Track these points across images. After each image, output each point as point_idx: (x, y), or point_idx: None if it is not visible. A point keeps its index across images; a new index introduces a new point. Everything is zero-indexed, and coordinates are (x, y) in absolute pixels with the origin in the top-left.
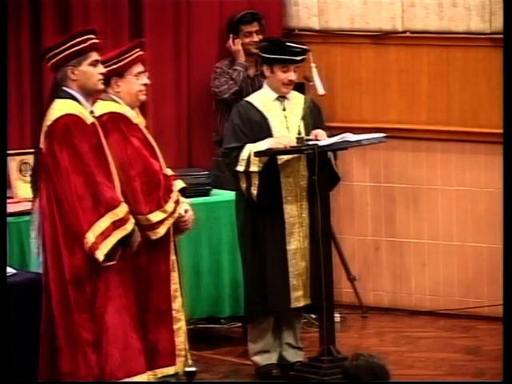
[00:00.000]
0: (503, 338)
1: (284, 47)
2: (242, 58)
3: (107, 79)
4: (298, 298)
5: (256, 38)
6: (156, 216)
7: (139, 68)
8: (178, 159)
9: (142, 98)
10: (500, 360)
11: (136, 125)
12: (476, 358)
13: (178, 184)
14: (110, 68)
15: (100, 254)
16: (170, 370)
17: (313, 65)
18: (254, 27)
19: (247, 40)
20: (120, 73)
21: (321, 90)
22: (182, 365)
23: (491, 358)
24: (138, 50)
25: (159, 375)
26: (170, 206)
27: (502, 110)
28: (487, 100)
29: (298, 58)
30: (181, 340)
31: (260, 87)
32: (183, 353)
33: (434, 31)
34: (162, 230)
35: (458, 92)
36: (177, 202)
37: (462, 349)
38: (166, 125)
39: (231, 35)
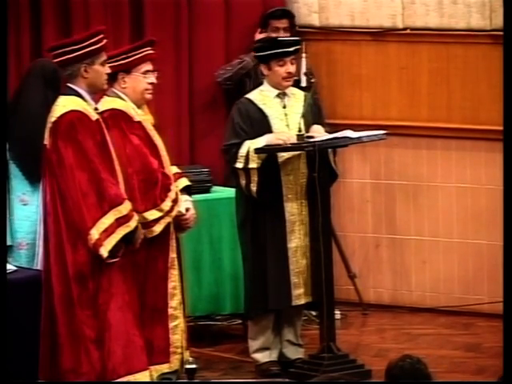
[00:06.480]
0: (503, 335)
1: (276, 41)
2: None
3: (114, 74)
4: (299, 295)
5: (283, 34)
6: (151, 214)
7: (148, 66)
8: (178, 156)
9: (148, 96)
10: (500, 357)
11: (137, 122)
12: (476, 355)
13: (183, 182)
14: (117, 63)
15: (104, 251)
16: (164, 368)
17: (303, 55)
18: (283, 24)
19: (274, 35)
20: (127, 69)
21: (303, 82)
22: (178, 362)
23: (491, 355)
24: (148, 48)
25: (153, 372)
26: (166, 205)
27: (503, 107)
28: (487, 97)
29: (292, 49)
30: (177, 338)
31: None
32: (179, 350)
33: (434, 28)
34: (157, 229)
35: (459, 89)
36: (175, 201)
37: (462, 346)
38: (167, 122)
39: (259, 29)
